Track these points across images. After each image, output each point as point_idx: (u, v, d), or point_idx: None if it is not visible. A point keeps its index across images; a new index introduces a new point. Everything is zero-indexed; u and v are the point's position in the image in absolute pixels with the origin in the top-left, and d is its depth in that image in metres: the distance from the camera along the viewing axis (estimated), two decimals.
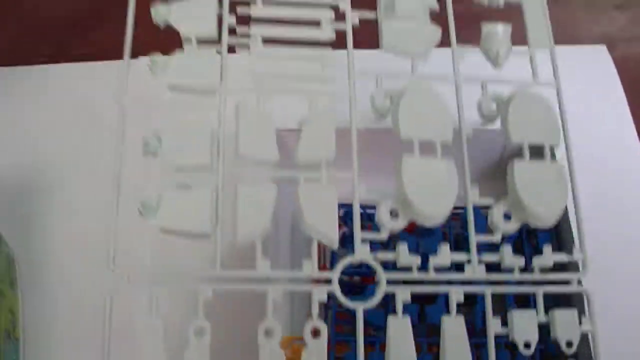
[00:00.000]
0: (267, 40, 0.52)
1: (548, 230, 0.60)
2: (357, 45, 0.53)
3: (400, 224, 0.49)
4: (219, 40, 0.52)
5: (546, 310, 0.49)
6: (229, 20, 0.52)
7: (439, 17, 0.54)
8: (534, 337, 0.48)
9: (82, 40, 0.83)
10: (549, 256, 0.50)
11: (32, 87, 0.83)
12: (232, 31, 0.52)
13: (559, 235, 0.64)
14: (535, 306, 0.49)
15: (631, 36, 0.93)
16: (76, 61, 0.82)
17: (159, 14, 0.51)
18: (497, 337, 0.48)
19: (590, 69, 0.86)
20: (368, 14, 0.54)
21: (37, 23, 0.88)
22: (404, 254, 0.48)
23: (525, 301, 0.54)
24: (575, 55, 0.80)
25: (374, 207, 0.49)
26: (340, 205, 0.49)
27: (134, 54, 0.50)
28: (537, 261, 0.50)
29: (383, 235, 0.49)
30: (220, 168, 0.48)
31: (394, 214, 0.49)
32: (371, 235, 0.49)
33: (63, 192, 0.78)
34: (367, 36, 0.54)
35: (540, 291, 0.49)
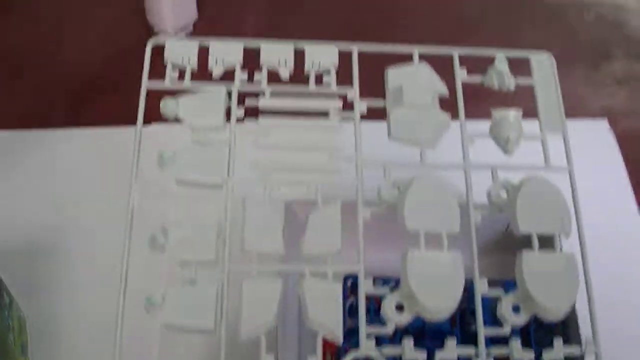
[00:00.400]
0: (274, 130, 0.53)
1: None
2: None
3: (405, 318, 0.48)
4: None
5: None
6: (237, 112, 0.53)
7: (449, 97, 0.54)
8: None
9: (96, 106, 0.84)
10: (559, 350, 0.49)
11: (45, 151, 0.84)
12: (239, 122, 0.53)
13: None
14: None
15: (632, 110, 0.93)
16: (89, 126, 0.84)
17: (168, 107, 0.52)
18: None
19: (592, 142, 0.85)
20: (376, 102, 0.54)
21: (52, 88, 0.90)
22: (409, 349, 0.48)
23: None
24: (577, 129, 0.79)
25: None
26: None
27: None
28: (547, 356, 0.49)
29: (389, 329, 0.48)
30: (226, 263, 0.49)
31: (399, 308, 0.48)
32: (377, 330, 0.48)
33: (75, 258, 0.77)
34: (378, 113, 0.54)
35: None
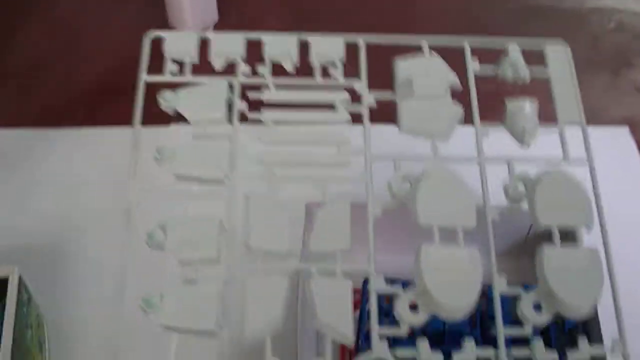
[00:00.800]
0: (279, 124, 0.50)
1: None
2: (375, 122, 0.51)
3: (420, 318, 0.45)
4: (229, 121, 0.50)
5: None
6: (240, 105, 0.50)
7: (462, 96, 0.52)
8: None
9: (113, 106, 0.81)
10: (586, 350, 0.46)
11: (63, 149, 0.84)
12: (243, 116, 0.50)
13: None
14: None
15: None
16: (107, 125, 0.83)
17: (167, 101, 0.49)
18: None
19: (612, 149, 0.84)
20: (385, 95, 0.52)
21: (70, 88, 0.90)
22: (424, 351, 0.45)
23: None
24: (598, 136, 0.78)
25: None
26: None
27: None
28: (572, 357, 0.46)
29: (403, 330, 0.45)
30: (229, 261, 0.46)
31: (413, 307, 0.46)
32: (390, 331, 0.45)
33: (91, 253, 0.76)
34: (385, 115, 0.51)
35: None
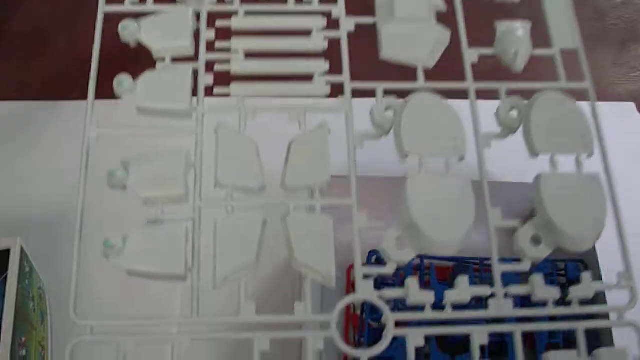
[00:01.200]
0: (250, 55, 0.46)
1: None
2: (354, 57, 0.46)
3: (407, 255, 0.41)
4: (195, 57, 0.46)
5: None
6: (208, 34, 0.46)
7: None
8: None
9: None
10: (589, 286, 0.42)
11: (63, 122, 0.81)
12: (210, 46, 0.46)
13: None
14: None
15: None
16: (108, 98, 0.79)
17: (128, 30, 0.45)
18: None
19: (619, 125, 0.79)
20: (365, 19, 0.48)
21: (70, 62, 0.86)
22: (414, 291, 0.41)
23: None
24: (603, 112, 0.75)
25: None
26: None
27: None
28: (575, 292, 0.42)
29: (389, 269, 0.42)
30: (197, 199, 0.42)
31: (400, 244, 0.42)
32: (375, 271, 0.42)
33: (96, 228, 0.72)
34: (365, 47, 0.47)
35: (581, 327, 0.41)
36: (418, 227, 0.41)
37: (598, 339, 0.43)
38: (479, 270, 0.66)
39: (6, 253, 0.61)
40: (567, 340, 0.60)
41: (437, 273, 0.64)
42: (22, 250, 0.62)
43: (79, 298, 0.40)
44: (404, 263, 0.41)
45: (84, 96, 0.82)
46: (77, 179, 0.71)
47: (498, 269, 0.42)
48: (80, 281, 0.41)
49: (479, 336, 0.40)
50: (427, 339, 0.41)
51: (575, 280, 0.63)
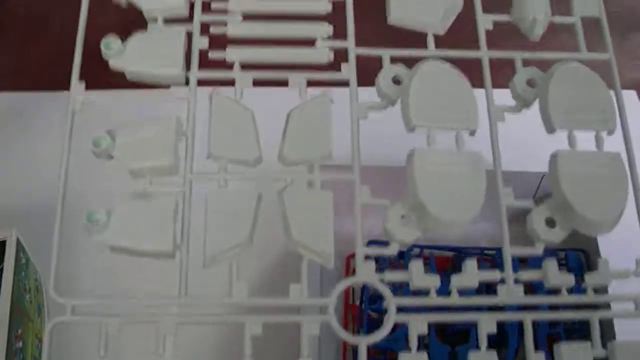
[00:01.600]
0: (248, 17, 0.43)
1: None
2: (360, 21, 0.43)
3: (412, 235, 0.39)
4: (189, 18, 0.43)
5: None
6: None
7: None
8: None
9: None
10: (606, 272, 0.39)
11: (61, 111, 0.77)
12: (206, 6, 0.43)
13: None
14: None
15: None
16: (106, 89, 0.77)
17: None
18: None
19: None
20: None
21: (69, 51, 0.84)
22: (418, 274, 0.38)
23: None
24: None
25: None
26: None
27: None
28: (590, 279, 0.39)
29: (392, 249, 0.39)
30: (188, 171, 0.39)
31: (405, 222, 0.39)
32: (376, 251, 0.39)
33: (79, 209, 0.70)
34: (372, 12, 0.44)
35: (595, 317, 0.38)
36: (424, 206, 0.38)
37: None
38: (480, 260, 0.63)
39: (2, 244, 0.60)
40: (568, 331, 0.57)
41: (436, 263, 0.61)
42: (18, 242, 0.60)
43: (69, 283, 0.38)
44: (407, 243, 0.39)
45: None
46: (73, 169, 0.69)
47: (508, 251, 0.39)
48: (69, 264, 0.38)
49: (487, 324, 0.38)
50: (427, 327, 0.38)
51: (577, 270, 0.61)
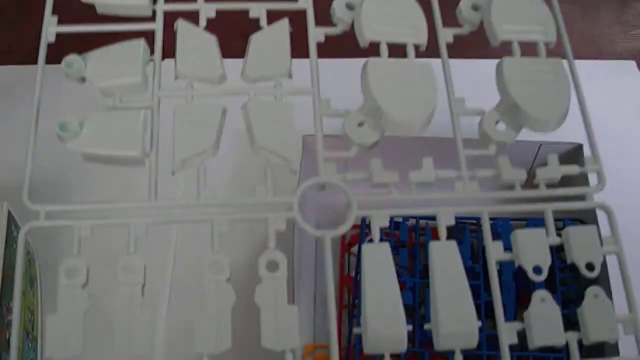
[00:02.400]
0: None
1: None
2: None
3: (370, 137, 0.41)
4: None
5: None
6: None
7: None
8: (545, 261, 0.39)
9: (108, 39, 0.79)
10: (556, 168, 0.41)
11: (54, 85, 0.79)
12: None
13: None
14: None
15: None
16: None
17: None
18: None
19: (619, 84, 0.80)
20: None
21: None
22: (377, 171, 0.40)
23: None
24: (604, 70, 0.76)
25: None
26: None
27: None
28: (542, 174, 0.41)
29: (352, 152, 0.41)
30: (156, 88, 0.41)
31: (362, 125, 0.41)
32: (337, 154, 0.41)
33: (84, 191, 0.71)
34: None
35: (549, 209, 0.40)
36: (380, 108, 0.40)
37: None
38: (475, 230, 0.65)
39: None
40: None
41: (432, 234, 0.63)
42: (10, 214, 0.60)
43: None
44: (366, 146, 0.41)
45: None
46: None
47: (462, 152, 0.41)
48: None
49: (445, 217, 0.40)
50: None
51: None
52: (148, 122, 0.40)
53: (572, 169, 0.42)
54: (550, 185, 0.41)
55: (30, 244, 0.66)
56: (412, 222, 0.66)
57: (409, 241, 0.65)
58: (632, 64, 0.83)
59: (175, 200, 0.39)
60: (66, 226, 0.38)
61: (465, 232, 0.64)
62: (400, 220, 0.65)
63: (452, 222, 0.39)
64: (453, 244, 0.39)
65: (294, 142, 0.40)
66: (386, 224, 0.39)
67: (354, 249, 0.68)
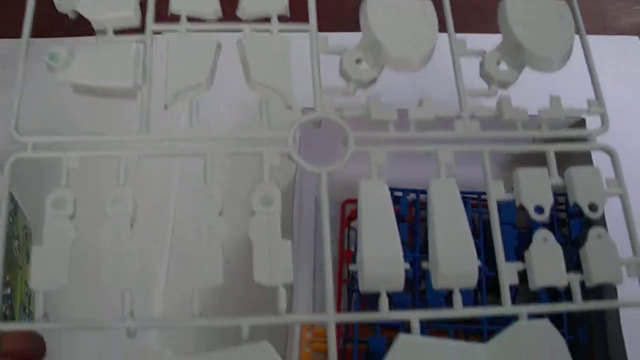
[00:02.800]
0: None
1: None
2: None
3: (368, 74, 0.40)
4: None
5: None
6: None
7: None
8: (546, 200, 0.38)
9: None
10: (559, 109, 0.40)
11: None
12: None
13: None
14: None
15: None
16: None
17: None
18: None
19: (622, 61, 0.80)
20: None
21: None
22: (376, 108, 0.39)
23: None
24: (607, 45, 0.74)
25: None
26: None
27: None
28: (545, 115, 0.40)
29: (350, 89, 0.40)
30: (149, 22, 0.40)
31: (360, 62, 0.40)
32: (336, 90, 0.40)
33: (82, 166, 0.69)
34: None
35: (551, 150, 0.39)
36: (380, 43, 0.39)
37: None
38: (477, 205, 0.64)
39: None
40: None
41: None
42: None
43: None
44: (365, 82, 0.40)
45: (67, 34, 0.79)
46: (65, 118, 0.69)
47: (462, 90, 0.40)
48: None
49: (444, 155, 0.38)
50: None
51: (575, 213, 0.62)
52: (141, 55, 0.39)
53: (576, 111, 0.40)
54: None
55: (27, 218, 0.65)
56: (412, 196, 0.65)
57: (409, 216, 0.64)
58: (635, 39, 0.82)
59: (167, 133, 0.38)
60: (54, 158, 0.37)
61: (466, 206, 0.62)
62: (400, 194, 0.64)
63: (452, 159, 0.38)
64: (452, 181, 0.38)
65: (290, 77, 0.39)
66: (384, 160, 0.38)
67: (354, 223, 0.67)
